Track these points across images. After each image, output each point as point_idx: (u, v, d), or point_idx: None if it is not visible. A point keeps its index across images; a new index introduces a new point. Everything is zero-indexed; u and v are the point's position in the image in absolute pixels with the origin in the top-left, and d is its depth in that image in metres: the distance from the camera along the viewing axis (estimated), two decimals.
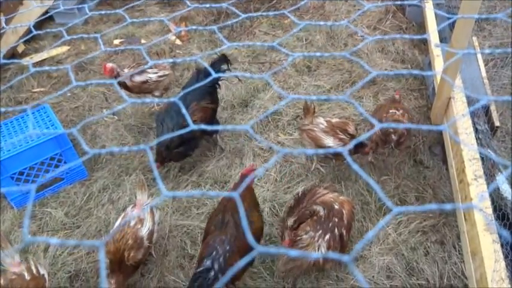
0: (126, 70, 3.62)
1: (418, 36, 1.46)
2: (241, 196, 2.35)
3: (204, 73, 3.33)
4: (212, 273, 2.23)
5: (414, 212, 2.92)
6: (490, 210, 2.35)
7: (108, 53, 4.75)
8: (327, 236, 2.28)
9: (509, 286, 2.06)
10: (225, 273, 2.25)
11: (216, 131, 3.47)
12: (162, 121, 3.15)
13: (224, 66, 3.42)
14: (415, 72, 1.21)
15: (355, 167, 0.90)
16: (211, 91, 3.37)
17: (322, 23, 1.62)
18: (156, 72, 3.65)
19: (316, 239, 2.28)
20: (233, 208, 2.38)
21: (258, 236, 2.45)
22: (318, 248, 2.27)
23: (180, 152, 3.21)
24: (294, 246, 2.33)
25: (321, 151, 1.90)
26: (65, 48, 4.92)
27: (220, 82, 3.48)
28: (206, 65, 1.67)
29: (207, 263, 2.26)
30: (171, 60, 4.01)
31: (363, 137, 1.10)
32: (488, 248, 2.20)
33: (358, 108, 1.08)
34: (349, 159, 0.99)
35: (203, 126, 1.14)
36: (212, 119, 3.41)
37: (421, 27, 4.45)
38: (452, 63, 2.80)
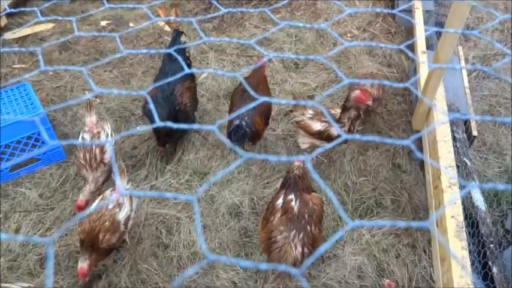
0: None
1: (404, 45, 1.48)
2: (258, 79, 3.20)
3: (178, 48, 3.35)
4: (242, 128, 3.04)
5: (388, 214, 2.98)
6: (461, 218, 2.41)
7: (93, 34, 4.65)
8: (301, 234, 2.31)
9: None
10: (250, 128, 3.08)
11: (195, 109, 3.53)
12: (152, 111, 3.10)
13: (183, 39, 3.47)
14: (388, 83, 1.22)
15: (316, 176, 0.94)
16: (189, 77, 3.42)
17: (301, 24, 1.63)
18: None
19: (291, 238, 2.30)
20: (254, 85, 3.09)
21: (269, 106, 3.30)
22: (295, 248, 2.29)
23: (178, 130, 3.17)
24: (270, 249, 2.35)
25: (283, 158, 1.90)
26: (49, 25, 4.79)
27: (188, 55, 3.58)
28: (181, 60, 1.65)
29: (237, 122, 3.05)
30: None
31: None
32: (456, 254, 2.26)
33: (324, 112, 1.10)
34: (309, 166, 1.02)
35: (169, 124, 1.18)
36: (196, 98, 3.48)
37: (410, 32, 4.50)
38: (435, 72, 2.85)
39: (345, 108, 2.92)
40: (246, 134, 3.08)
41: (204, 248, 0.86)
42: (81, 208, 2.74)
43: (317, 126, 3.05)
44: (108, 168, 2.89)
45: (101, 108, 3.79)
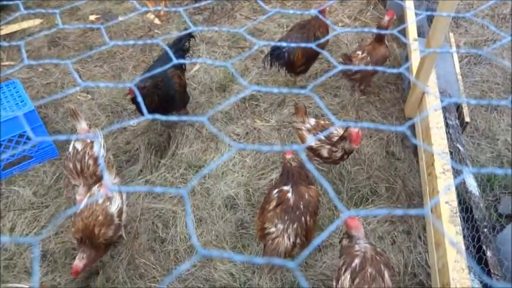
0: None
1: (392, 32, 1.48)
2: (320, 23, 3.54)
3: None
4: (283, 49, 3.47)
5: (384, 201, 3.00)
6: (455, 203, 2.43)
7: (83, 28, 4.59)
8: (295, 225, 2.33)
9: (468, 276, 2.15)
10: (290, 54, 3.48)
11: (187, 101, 3.59)
12: (140, 103, 3.10)
13: (187, 44, 3.56)
14: (380, 69, 1.22)
15: (310, 166, 0.93)
16: (181, 69, 3.51)
17: (291, 11, 1.61)
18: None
19: (284, 229, 2.32)
20: (315, 27, 3.54)
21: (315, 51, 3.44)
22: (288, 238, 2.31)
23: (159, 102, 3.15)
24: (265, 239, 2.37)
25: (276, 148, 1.91)
26: (37, 21, 4.72)
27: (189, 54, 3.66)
28: (169, 50, 1.63)
29: (282, 44, 3.34)
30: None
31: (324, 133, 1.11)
32: (452, 239, 2.29)
33: (318, 102, 1.11)
34: (303, 156, 1.02)
35: (157, 116, 1.13)
36: (185, 92, 3.54)
37: (401, 20, 4.49)
38: (427, 58, 2.85)
39: (342, 138, 2.76)
40: (283, 57, 3.47)
41: (196, 243, 0.86)
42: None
43: (311, 141, 2.88)
44: (101, 178, 2.82)
45: (92, 104, 3.76)
